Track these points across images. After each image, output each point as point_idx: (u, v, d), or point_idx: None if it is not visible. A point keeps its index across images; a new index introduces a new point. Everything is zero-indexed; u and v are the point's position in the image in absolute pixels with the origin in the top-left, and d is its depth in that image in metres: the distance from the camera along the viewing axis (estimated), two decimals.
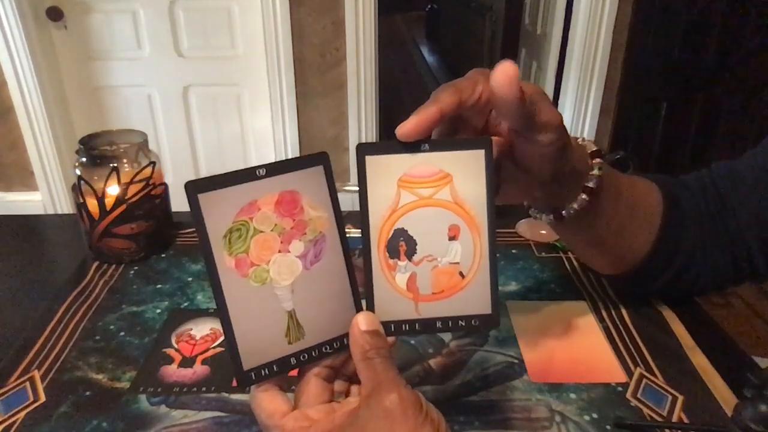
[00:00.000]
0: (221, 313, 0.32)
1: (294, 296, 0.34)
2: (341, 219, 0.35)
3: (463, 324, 0.36)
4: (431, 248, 0.35)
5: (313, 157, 0.34)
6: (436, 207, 0.35)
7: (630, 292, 0.62)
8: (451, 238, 0.36)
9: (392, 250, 0.35)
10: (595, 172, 0.47)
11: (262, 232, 0.33)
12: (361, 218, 0.35)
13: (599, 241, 0.54)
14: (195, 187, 0.31)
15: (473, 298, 0.36)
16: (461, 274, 0.36)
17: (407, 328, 0.36)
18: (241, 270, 0.32)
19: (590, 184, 0.47)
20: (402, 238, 0.35)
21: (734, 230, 0.55)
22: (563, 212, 0.49)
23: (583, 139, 0.50)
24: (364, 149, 0.35)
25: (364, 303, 0.36)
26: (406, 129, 0.35)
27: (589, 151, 0.48)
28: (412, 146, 0.35)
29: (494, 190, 0.36)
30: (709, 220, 0.55)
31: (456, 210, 0.36)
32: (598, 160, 0.47)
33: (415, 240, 0.35)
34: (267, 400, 0.34)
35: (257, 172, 0.32)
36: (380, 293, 0.35)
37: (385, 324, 0.35)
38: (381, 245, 0.35)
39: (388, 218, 0.35)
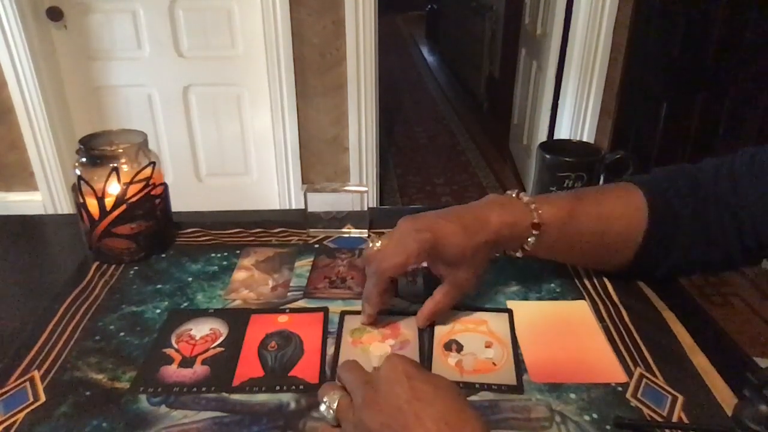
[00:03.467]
0: (335, 356, 0.55)
1: (380, 361, 0.50)
2: (423, 334, 0.57)
3: (495, 388, 0.50)
4: (473, 349, 0.55)
5: (410, 314, 0.60)
6: (478, 333, 0.58)
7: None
8: (487, 347, 0.56)
9: (447, 347, 0.56)
10: (531, 240, 0.57)
11: (370, 332, 0.58)
12: (428, 339, 0.57)
13: (568, 262, 0.67)
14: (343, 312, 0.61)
15: (502, 376, 0.52)
16: (494, 363, 0.53)
17: None
18: (355, 345, 0.56)
19: (526, 247, 0.58)
20: (454, 343, 0.56)
21: (745, 219, 0.57)
22: (514, 254, 0.60)
23: (530, 204, 0.57)
24: None
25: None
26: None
27: (531, 222, 0.57)
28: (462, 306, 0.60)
29: (513, 329, 0.58)
30: (715, 213, 0.58)
31: (490, 335, 0.57)
32: (535, 231, 0.57)
33: (462, 344, 0.56)
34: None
35: None
36: (437, 365, 0.53)
37: None
38: (440, 345, 0.56)
39: (446, 334, 0.57)
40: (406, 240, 0.53)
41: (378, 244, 0.56)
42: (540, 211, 0.57)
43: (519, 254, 0.59)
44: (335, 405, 0.43)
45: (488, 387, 0.50)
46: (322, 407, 0.44)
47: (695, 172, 0.61)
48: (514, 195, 0.59)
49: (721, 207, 0.58)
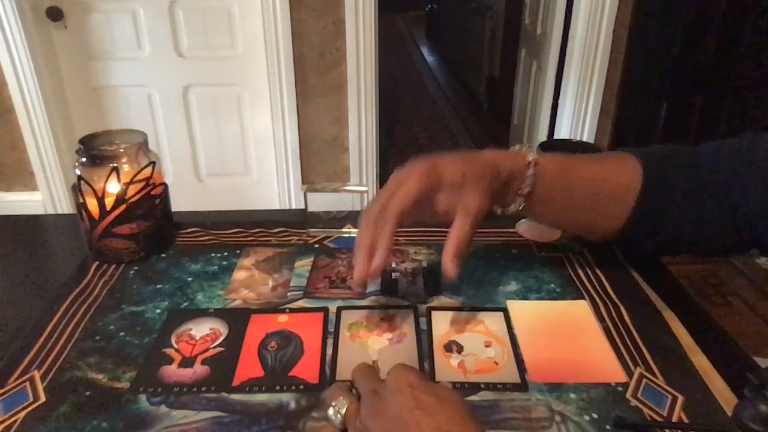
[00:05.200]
0: (334, 351, 0.55)
1: (378, 354, 0.55)
2: (420, 329, 0.58)
3: (500, 387, 0.50)
4: (473, 349, 0.55)
5: (405, 306, 0.61)
6: (475, 333, 0.58)
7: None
8: (487, 346, 0.56)
9: (447, 348, 0.55)
10: (528, 178, 0.56)
11: (368, 326, 0.58)
12: (426, 339, 0.57)
13: (560, 222, 0.66)
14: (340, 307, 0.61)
15: (505, 375, 0.52)
16: (495, 362, 0.54)
17: (459, 386, 0.51)
18: (352, 339, 0.57)
19: (525, 190, 0.57)
20: (454, 344, 0.56)
21: (740, 203, 0.56)
22: (509, 209, 0.58)
23: (523, 147, 0.57)
24: (431, 309, 0.61)
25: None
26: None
27: (525, 161, 0.56)
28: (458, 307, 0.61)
29: (510, 327, 0.58)
30: (711, 193, 0.58)
31: (488, 335, 0.58)
32: (533, 165, 0.56)
33: (462, 345, 0.56)
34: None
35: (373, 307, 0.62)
36: (439, 366, 0.53)
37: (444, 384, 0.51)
38: (440, 347, 0.56)
39: (444, 336, 0.57)
40: (403, 174, 0.53)
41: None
42: (535, 156, 0.57)
43: (520, 205, 0.57)
44: (343, 410, 0.43)
45: (493, 386, 0.50)
46: (330, 411, 0.44)
47: (696, 156, 0.60)
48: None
49: (720, 194, 0.57)
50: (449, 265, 0.52)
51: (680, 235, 0.60)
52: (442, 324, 0.59)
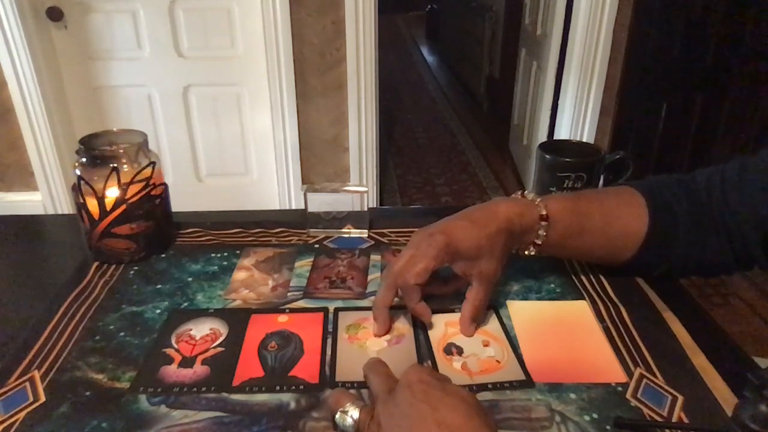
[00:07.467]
0: (333, 353, 0.55)
1: (377, 355, 0.54)
2: (418, 330, 0.58)
3: (507, 385, 0.51)
4: (473, 350, 0.56)
5: (402, 307, 0.58)
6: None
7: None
8: (485, 346, 0.56)
9: (447, 351, 0.55)
10: (541, 232, 0.58)
11: (366, 328, 0.58)
12: (424, 340, 0.57)
13: (573, 258, 0.68)
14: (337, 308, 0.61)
15: (510, 372, 0.52)
16: (497, 361, 0.54)
17: (466, 389, 0.49)
18: (351, 341, 0.57)
19: (537, 241, 0.59)
20: (453, 346, 0.56)
21: (733, 227, 0.58)
22: (522, 253, 0.61)
23: (535, 199, 0.59)
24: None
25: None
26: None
27: (537, 215, 0.58)
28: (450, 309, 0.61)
29: (504, 325, 0.59)
30: (709, 220, 0.59)
31: (484, 334, 0.58)
32: (544, 223, 0.58)
33: (461, 347, 0.56)
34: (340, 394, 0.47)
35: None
36: (442, 370, 0.53)
37: None
38: (439, 350, 0.56)
39: (441, 339, 0.57)
40: (422, 246, 0.55)
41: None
42: (546, 204, 0.59)
43: (533, 251, 0.60)
44: (356, 416, 0.43)
45: (500, 385, 0.50)
46: (338, 417, 0.43)
47: (689, 181, 0.62)
48: (518, 195, 0.61)
49: (715, 215, 0.59)
50: (468, 329, 0.57)
51: (687, 261, 0.62)
52: (438, 326, 0.59)
